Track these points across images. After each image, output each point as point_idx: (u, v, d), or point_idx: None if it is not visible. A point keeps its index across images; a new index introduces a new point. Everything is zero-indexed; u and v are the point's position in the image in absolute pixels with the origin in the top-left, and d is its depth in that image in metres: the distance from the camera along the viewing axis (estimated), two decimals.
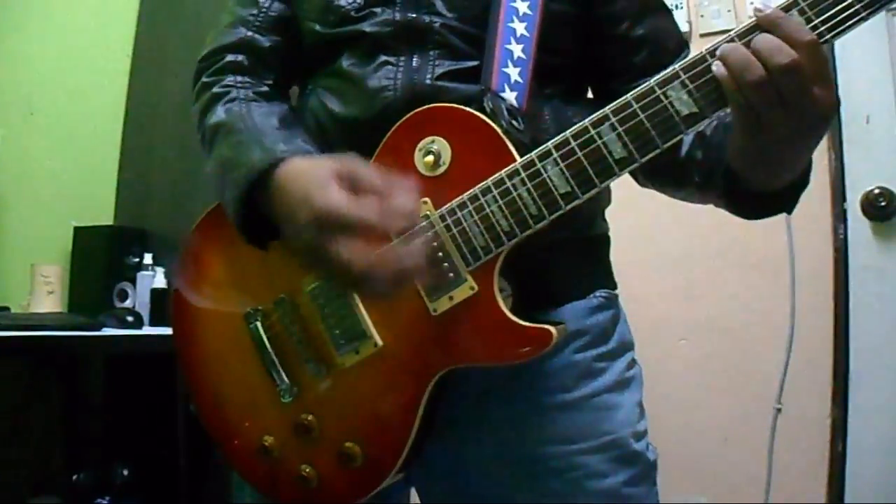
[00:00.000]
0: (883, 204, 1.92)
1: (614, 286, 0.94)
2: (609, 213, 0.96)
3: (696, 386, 2.10)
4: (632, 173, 0.79)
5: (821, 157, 1.98)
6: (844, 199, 1.98)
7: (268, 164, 0.79)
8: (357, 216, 0.70)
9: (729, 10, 2.14)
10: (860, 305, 1.94)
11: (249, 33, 0.96)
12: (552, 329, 0.75)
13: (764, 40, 0.66)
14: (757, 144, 0.71)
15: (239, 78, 0.94)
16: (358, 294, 0.82)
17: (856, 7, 0.64)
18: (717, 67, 0.68)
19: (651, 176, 0.91)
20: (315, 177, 0.74)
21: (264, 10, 0.97)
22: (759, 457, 2.00)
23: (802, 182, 0.79)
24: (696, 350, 2.12)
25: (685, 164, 0.86)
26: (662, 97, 0.70)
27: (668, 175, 0.90)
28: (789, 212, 0.82)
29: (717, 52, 0.68)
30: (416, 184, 0.77)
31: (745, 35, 0.68)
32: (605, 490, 0.83)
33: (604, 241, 0.96)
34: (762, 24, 0.67)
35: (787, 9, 0.66)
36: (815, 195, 1.97)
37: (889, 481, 1.84)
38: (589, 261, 0.92)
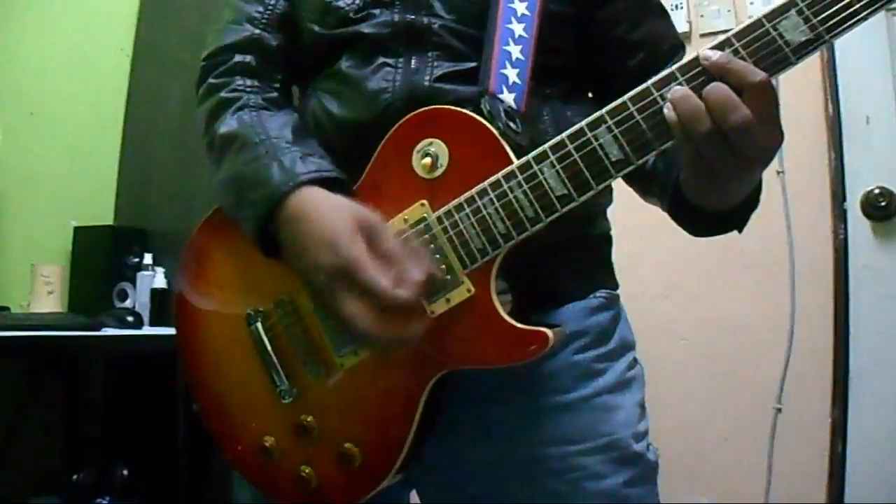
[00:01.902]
0: (883, 204, 1.92)
1: (616, 286, 0.94)
2: (610, 213, 0.96)
3: (696, 386, 2.10)
4: None
5: (821, 157, 1.98)
6: (844, 199, 1.98)
7: (289, 189, 0.80)
8: (375, 284, 0.72)
9: (729, 10, 2.15)
10: (860, 305, 1.94)
11: (257, 31, 0.95)
12: (548, 332, 0.75)
13: (716, 94, 0.66)
14: (701, 178, 0.73)
15: (248, 82, 0.93)
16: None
17: (855, 7, 0.64)
18: (668, 111, 0.68)
19: (628, 179, 0.92)
20: (339, 222, 0.75)
21: (270, 7, 0.96)
22: (759, 457, 2.00)
23: (751, 203, 0.80)
24: (696, 350, 2.12)
25: (649, 175, 0.87)
26: (659, 99, 0.70)
27: (637, 183, 0.92)
28: (739, 231, 0.83)
29: (668, 97, 0.68)
30: (409, 192, 0.79)
31: (692, 80, 0.68)
32: (604, 491, 0.83)
33: (605, 241, 0.95)
34: (711, 71, 0.67)
35: (785, 9, 0.66)
36: (815, 195, 1.98)
37: (889, 481, 1.84)
38: (590, 260, 0.92)
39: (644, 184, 0.90)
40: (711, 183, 0.73)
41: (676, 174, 0.80)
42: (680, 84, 0.69)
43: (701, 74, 0.68)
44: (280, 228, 0.81)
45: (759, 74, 0.65)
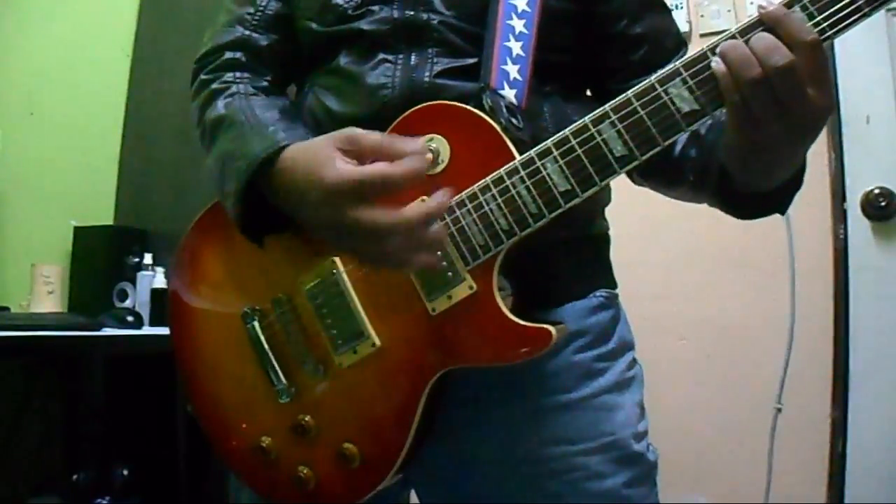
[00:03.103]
0: (883, 204, 1.92)
1: (615, 285, 0.93)
2: (609, 213, 0.95)
3: (696, 386, 2.10)
4: (627, 172, 0.79)
5: (821, 157, 1.98)
6: (844, 199, 1.98)
7: (269, 153, 0.79)
8: (369, 177, 0.69)
9: (729, 10, 2.15)
10: (860, 305, 1.94)
11: (247, 32, 0.96)
12: (552, 329, 0.75)
13: (762, 39, 0.65)
14: (749, 143, 0.71)
15: (238, 73, 0.94)
16: (388, 262, 0.75)
17: (858, 3, 0.64)
18: (717, 64, 0.67)
19: (645, 174, 0.91)
20: (317, 154, 0.74)
21: (261, 8, 0.96)
22: (759, 457, 2.00)
23: (796, 183, 0.78)
24: (696, 350, 2.12)
25: (679, 163, 0.86)
26: (663, 94, 0.70)
27: (663, 174, 0.90)
28: (782, 212, 0.81)
29: (718, 49, 0.67)
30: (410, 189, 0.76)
31: (747, 32, 0.67)
32: (605, 491, 0.83)
33: (604, 240, 0.95)
34: (765, 21, 0.66)
35: (789, 5, 0.66)
36: (815, 195, 1.98)
37: (889, 481, 1.84)
38: (589, 260, 0.92)
39: (672, 173, 0.88)
40: (757, 148, 0.71)
41: (718, 155, 0.78)
42: (685, 80, 0.69)
43: (705, 70, 0.68)
44: (275, 195, 0.80)
45: (811, 33, 0.64)
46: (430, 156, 0.73)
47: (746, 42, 0.66)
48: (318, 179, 0.72)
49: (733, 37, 0.68)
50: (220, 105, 0.90)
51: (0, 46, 2.49)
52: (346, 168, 0.71)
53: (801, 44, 0.64)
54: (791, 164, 0.75)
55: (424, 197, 0.78)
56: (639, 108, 0.71)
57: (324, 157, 0.73)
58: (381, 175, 0.69)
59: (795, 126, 0.68)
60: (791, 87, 0.65)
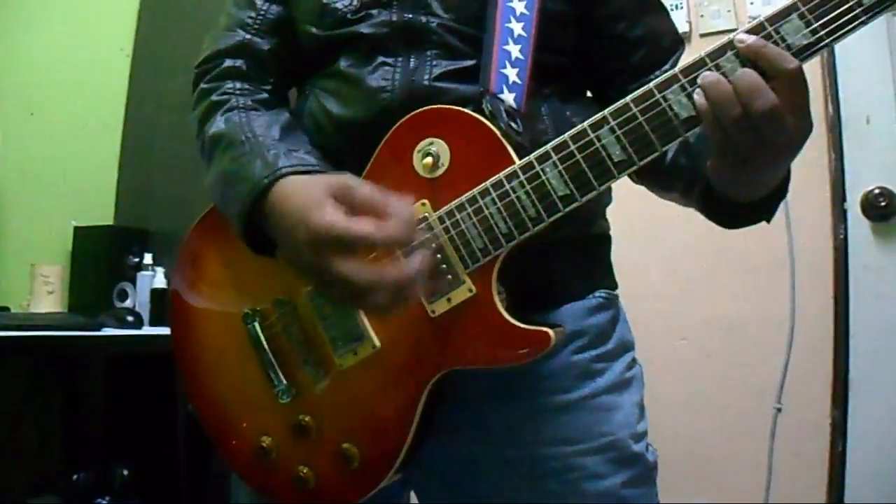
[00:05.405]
0: (883, 204, 1.92)
1: (615, 286, 0.94)
2: (609, 212, 0.96)
3: (696, 386, 2.10)
4: None
5: (821, 157, 1.98)
6: (844, 199, 1.98)
7: (270, 182, 0.79)
8: (353, 233, 0.70)
9: (729, 10, 2.14)
10: (860, 305, 1.94)
11: (248, 36, 0.96)
12: (550, 331, 0.75)
13: (746, 78, 0.66)
14: (730, 166, 0.72)
15: (238, 84, 0.94)
16: (363, 310, 0.82)
17: (856, 11, 0.64)
18: (699, 97, 0.68)
19: (640, 177, 0.92)
20: (310, 196, 0.74)
21: (262, 12, 0.96)
22: (759, 457, 2.00)
23: (780, 192, 0.80)
24: (696, 350, 2.12)
25: (670, 171, 0.87)
26: (662, 100, 0.70)
27: (656, 179, 0.91)
28: (767, 221, 0.83)
29: (700, 81, 0.68)
30: (410, 192, 0.78)
31: (696, 80, 0.68)
32: (603, 492, 0.83)
33: (604, 241, 0.95)
34: (744, 55, 0.67)
35: (787, 13, 0.66)
36: (815, 195, 1.98)
37: (889, 481, 1.84)
38: (589, 260, 0.92)
39: (664, 180, 0.90)
40: (740, 172, 0.73)
41: (704, 167, 0.79)
42: (683, 87, 0.69)
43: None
44: (267, 223, 0.81)
45: (792, 62, 0.65)
46: (415, 218, 0.74)
47: (726, 73, 0.67)
48: (305, 222, 0.73)
49: (681, 84, 0.69)
50: (220, 120, 0.90)
51: (0, 46, 2.49)
52: (333, 217, 0.71)
53: (782, 72, 0.65)
54: (772, 181, 0.76)
55: (426, 201, 0.79)
56: (637, 114, 0.71)
57: (315, 201, 0.73)
58: (364, 235, 0.70)
59: (774, 152, 0.69)
60: (773, 124, 0.66)
